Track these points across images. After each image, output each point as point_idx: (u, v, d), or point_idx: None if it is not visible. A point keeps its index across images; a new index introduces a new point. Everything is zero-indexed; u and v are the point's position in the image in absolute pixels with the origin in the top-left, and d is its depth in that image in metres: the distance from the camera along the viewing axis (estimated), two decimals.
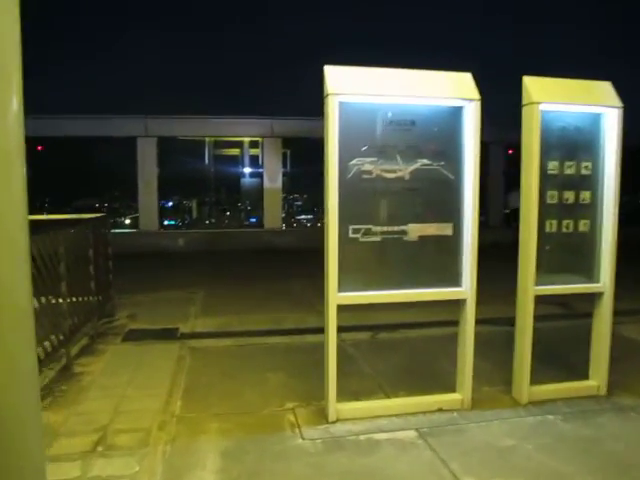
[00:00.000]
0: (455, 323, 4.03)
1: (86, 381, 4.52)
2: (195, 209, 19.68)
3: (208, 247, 14.21)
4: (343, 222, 3.56)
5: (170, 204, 21.00)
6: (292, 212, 19.18)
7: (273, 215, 14.71)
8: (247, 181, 19.05)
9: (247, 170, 19.19)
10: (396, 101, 3.60)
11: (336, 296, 3.61)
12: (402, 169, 3.61)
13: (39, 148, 16.83)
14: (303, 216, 21.26)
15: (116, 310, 7.12)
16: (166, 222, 19.07)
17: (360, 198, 3.59)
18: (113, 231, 15.56)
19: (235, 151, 19.98)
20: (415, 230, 3.68)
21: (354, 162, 3.54)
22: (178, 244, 14.15)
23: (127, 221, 17.12)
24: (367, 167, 3.55)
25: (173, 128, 14.20)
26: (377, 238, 3.63)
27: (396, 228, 3.65)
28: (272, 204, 14.68)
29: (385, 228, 3.63)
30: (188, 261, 12.59)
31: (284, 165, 16.25)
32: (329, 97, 3.42)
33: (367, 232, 3.61)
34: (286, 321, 6.72)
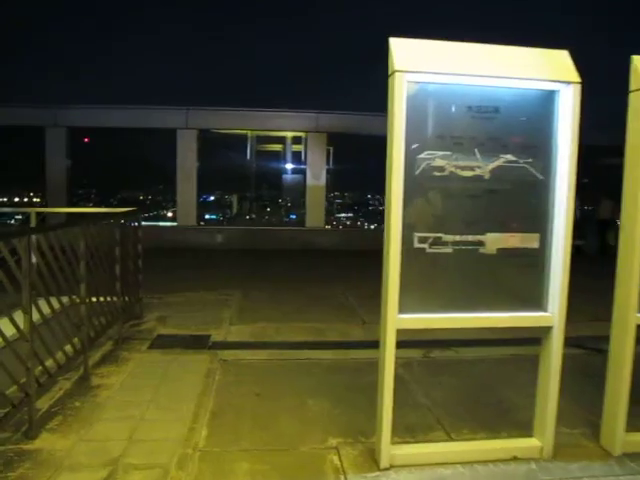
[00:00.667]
0: (518, 341, 3.38)
1: (103, 396, 4.03)
2: (236, 204, 19.34)
3: (247, 244, 13.76)
4: (408, 229, 2.94)
5: (212, 198, 20.74)
6: (332, 210, 18.61)
7: (316, 214, 14.14)
8: (289, 177, 18.58)
9: (289, 166, 18.74)
10: (476, 82, 2.96)
11: (396, 318, 3.01)
12: (481, 166, 2.98)
13: (86, 140, 16.75)
14: (343, 214, 20.66)
15: (145, 311, 6.67)
16: (207, 216, 18.78)
17: (429, 200, 2.97)
18: (150, 224, 15.40)
19: (277, 147, 19.55)
20: (494, 241, 3.04)
21: (423, 156, 2.92)
22: (216, 240, 13.74)
23: (169, 214, 16.87)
24: (439, 162, 2.94)
25: (214, 120, 13.78)
26: (448, 249, 3.00)
27: (471, 238, 3.02)
28: (315, 202, 14.11)
29: (458, 237, 3.00)
30: (225, 259, 12.15)
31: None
32: (395, 75, 2.82)
33: (436, 242, 2.99)
34: (328, 333, 6.14)
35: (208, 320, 6.48)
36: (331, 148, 15.73)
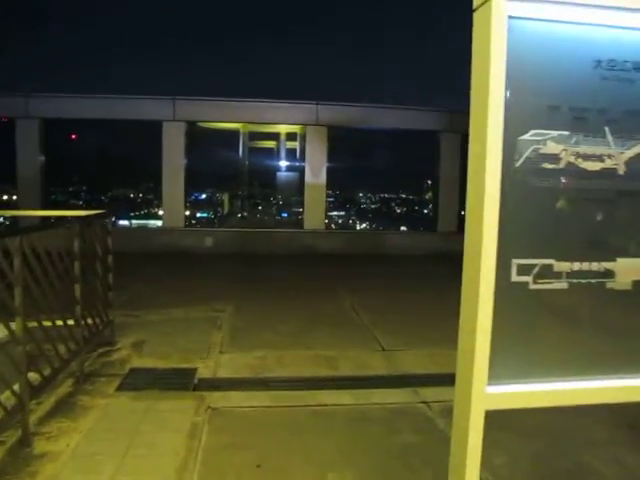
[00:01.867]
0: None
1: (46, 475, 2.96)
2: (227, 202, 18.36)
3: (240, 248, 12.69)
4: (502, 253, 1.89)
5: (203, 196, 19.78)
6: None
7: (315, 215, 13.08)
8: (283, 175, 17.61)
9: (283, 163, 17.80)
10: (612, 22, 1.90)
11: (484, 393, 1.94)
12: (614, 155, 1.94)
13: (73, 137, 15.62)
14: (335, 213, 19.75)
15: (119, 334, 5.61)
16: (198, 214, 17.79)
17: (535, 207, 1.93)
18: (135, 225, 14.30)
19: (271, 143, 18.57)
20: (629, 270, 2.00)
21: (528, 137, 1.88)
22: (205, 244, 12.66)
23: (161, 212, 15.82)
24: (551, 148, 1.89)
25: (203, 111, 12.68)
26: (562, 284, 1.95)
27: (596, 266, 1.97)
28: (314, 202, 13.05)
29: (577, 266, 1.96)
30: (216, 265, 11.07)
31: None
32: (492, 4, 1.76)
33: (544, 272, 1.94)
34: (341, 363, 5.09)
35: (194, 346, 5.43)
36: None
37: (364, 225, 19.35)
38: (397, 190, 16.52)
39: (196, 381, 4.50)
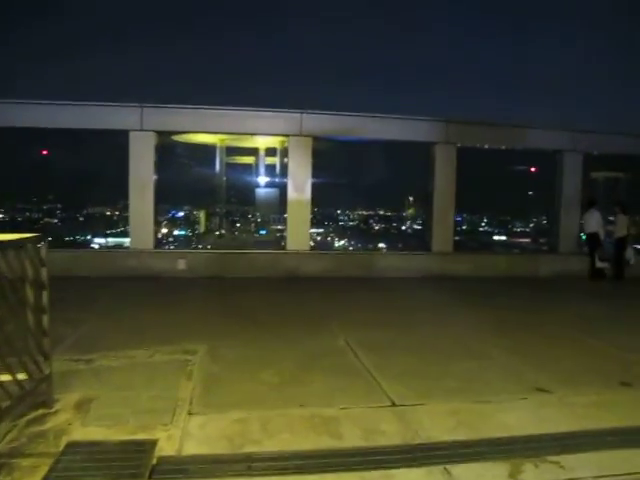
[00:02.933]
0: None
1: None
2: (203, 220, 17.29)
3: (216, 272, 11.60)
4: None
5: (181, 214, 18.88)
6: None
7: (299, 234, 12.03)
8: (262, 192, 16.66)
9: (262, 180, 16.90)
10: None
11: None
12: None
13: (44, 152, 14.41)
14: (314, 230, 18.86)
15: (62, 388, 4.48)
16: (176, 232, 16.84)
17: None
18: (111, 243, 13.07)
19: (249, 159, 17.63)
20: None
21: None
22: (178, 267, 11.53)
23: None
24: None
25: (175, 121, 11.59)
26: None
27: None
28: (298, 220, 12.01)
29: None
30: (189, 292, 9.96)
31: None
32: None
33: None
34: (344, 428, 4.03)
35: (157, 405, 4.33)
36: None
37: (344, 243, 18.42)
38: (388, 206, 15.62)
39: (155, 461, 3.41)
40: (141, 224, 11.52)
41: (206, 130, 11.90)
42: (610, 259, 13.00)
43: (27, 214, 15.10)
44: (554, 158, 13.31)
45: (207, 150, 15.23)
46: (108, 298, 9.11)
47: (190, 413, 4.20)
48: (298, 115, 11.85)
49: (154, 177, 11.54)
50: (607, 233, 13.18)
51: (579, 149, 13.17)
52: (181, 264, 11.60)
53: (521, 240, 17.73)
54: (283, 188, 12.85)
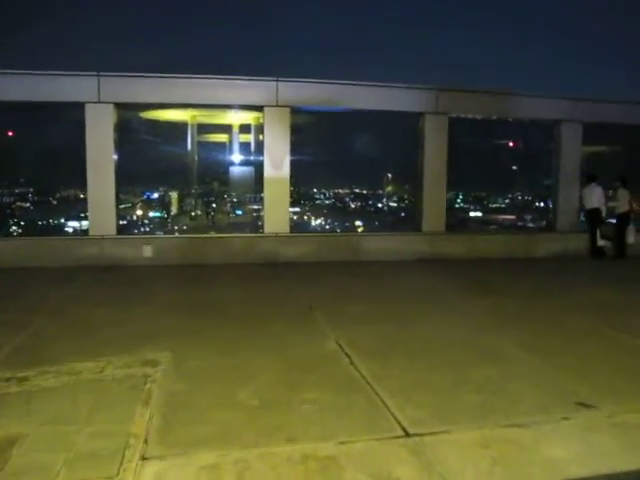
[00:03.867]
0: None
1: None
2: (176, 202, 16.13)
3: (187, 258, 10.58)
4: None
5: (155, 195, 17.73)
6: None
7: (278, 215, 11.01)
8: (237, 170, 15.55)
9: (237, 158, 15.80)
10: None
11: None
12: None
13: (10, 133, 13.03)
14: (290, 209, 17.83)
15: None
16: (151, 214, 15.70)
17: None
18: (69, 230, 11.80)
19: (222, 137, 16.47)
20: None
21: None
22: (143, 254, 10.46)
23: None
24: None
25: (137, 90, 10.40)
26: None
27: None
28: (276, 200, 10.98)
29: None
30: (154, 284, 8.92)
31: None
32: None
33: None
34: (346, 473, 3.08)
35: (99, 445, 3.35)
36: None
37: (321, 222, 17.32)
38: (371, 183, 14.55)
39: None
40: (101, 207, 10.40)
41: (171, 101, 10.70)
42: (612, 237, 12.24)
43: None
44: (553, 128, 12.43)
45: (178, 128, 14.03)
46: (61, 293, 8.02)
47: (144, 457, 3.21)
48: (274, 83, 10.76)
49: (114, 156, 10.38)
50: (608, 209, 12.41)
51: (578, 118, 12.29)
52: (147, 251, 10.53)
53: (502, 217, 16.82)
54: (259, 166, 11.79)
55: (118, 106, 10.42)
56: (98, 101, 10.19)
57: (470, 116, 12.11)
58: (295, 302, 7.60)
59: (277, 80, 10.77)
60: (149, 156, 12.95)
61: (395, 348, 5.49)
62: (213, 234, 11.60)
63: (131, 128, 11.59)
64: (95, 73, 10.18)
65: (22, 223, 12.29)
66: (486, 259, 11.62)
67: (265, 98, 10.76)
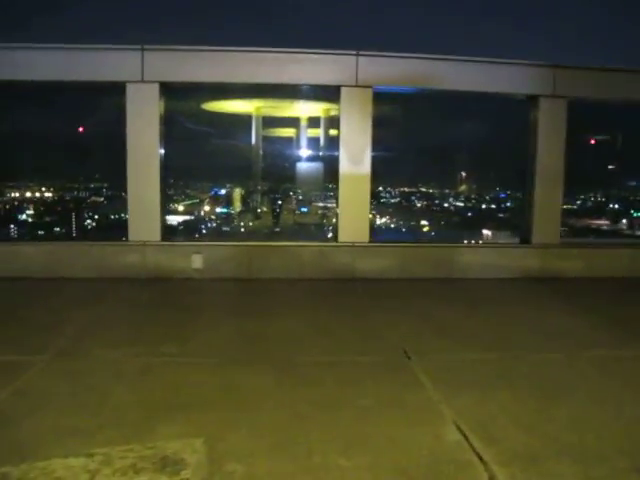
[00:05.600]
0: None
1: None
2: (239, 200, 14.49)
3: (243, 271, 8.84)
4: None
5: (223, 192, 16.25)
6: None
7: (355, 220, 9.06)
8: (304, 166, 13.69)
9: (305, 153, 13.94)
10: None
11: None
12: None
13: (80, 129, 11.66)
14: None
15: None
16: (218, 209, 14.22)
17: None
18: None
19: (289, 131, 14.65)
20: None
21: None
22: (192, 265, 8.74)
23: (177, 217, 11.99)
24: None
25: (190, 67, 8.65)
26: None
27: None
28: (353, 203, 9.03)
29: None
30: (197, 307, 7.14)
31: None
32: None
33: None
34: None
35: None
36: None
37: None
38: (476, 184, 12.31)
39: None
40: (143, 208, 8.73)
41: (231, 80, 8.85)
42: None
43: (75, 193, 12.38)
44: None
45: (241, 121, 12.30)
46: (80, 319, 6.34)
47: None
48: (353, 58, 8.79)
49: (160, 149, 8.71)
50: None
51: None
52: (196, 261, 8.78)
53: (596, 222, 14.16)
54: (329, 162, 9.91)
55: (165, 87, 8.72)
56: (141, 80, 8.51)
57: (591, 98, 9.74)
58: (383, 343, 5.63)
59: (357, 54, 8.80)
60: (205, 149, 11.25)
61: (547, 439, 3.45)
62: (276, 242, 9.71)
63: (184, 115, 9.91)
64: (139, 46, 8.50)
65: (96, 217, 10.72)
66: (611, 279, 9.30)
67: (342, 76, 8.81)
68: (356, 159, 8.90)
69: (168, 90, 8.81)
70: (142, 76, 8.53)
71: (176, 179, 10.22)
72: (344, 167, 8.94)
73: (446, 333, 6.03)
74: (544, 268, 9.47)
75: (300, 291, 8.15)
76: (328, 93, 9.30)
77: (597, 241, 10.76)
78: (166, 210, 9.24)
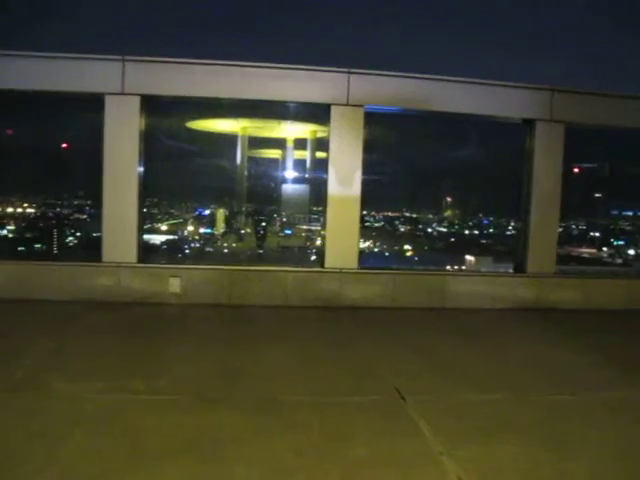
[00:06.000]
0: None
1: None
2: (222, 221, 13.97)
3: (223, 297, 8.33)
4: None
5: (206, 212, 15.77)
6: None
7: (343, 245, 8.63)
8: (289, 189, 13.25)
9: (290, 175, 13.53)
10: None
11: None
12: None
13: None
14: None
15: None
16: (202, 230, 13.80)
17: None
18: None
19: (275, 153, 14.26)
20: None
21: None
22: (169, 289, 8.22)
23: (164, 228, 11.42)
24: None
25: (173, 80, 8.23)
26: None
27: None
28: (342, 226, 8.60)
29: None
30: (172, 334, 6.61)
31: None
32: None
33: None
34: None
35: None
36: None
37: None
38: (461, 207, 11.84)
39: None
40: (118, 227, 8.22)
41: (216, 95, 8.45)
42: None
43: (57, 210, 11.76)
44: None
45: (226, 140, 11.89)
46: (40, 350, 5.77)
47: None
48: (344, 76, 8.43)
49: (139, 167, 8.24)
50: None
51: None
52: (174, 285, 8.26)
53: (583, 250, 13.79)
54: (315, 184, 9.52)
55: (147, 100, 8.27)
56: (121, 92, 8.06)
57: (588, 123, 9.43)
58: (374, 381, 5.15)
59: (349, 72, 8.44)
60: (188, 168, 10.79)
61: None
62: (259, 266, 9.21)
63: (167, 132, 9.46)
64: (119, 57, 8.07)
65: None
66: (608, 311, 8.92)
67: (333, 94, 8.42)
68: (346, 181, 8.48)
69: (150, 104, 8.36)
70: (122, 88, 8.08)
71: (156, 198, 9.75)
72: (333, 189, 8.52)
73: (442, 369, 5.56)
74: (540, 298, 9.08)
75: (284, 319, 7.66)
76: (317, 112, 8.91)
77: (594, 270, 10.40)
78: (144, 230, 8.73)
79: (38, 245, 9.65)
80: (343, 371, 5.41)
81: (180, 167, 10.18)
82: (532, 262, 9.20)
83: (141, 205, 8.38)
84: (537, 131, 9.06)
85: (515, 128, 9.30)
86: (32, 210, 9.83)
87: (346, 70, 8.44)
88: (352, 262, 8.59)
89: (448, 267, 10.07)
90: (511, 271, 9.50)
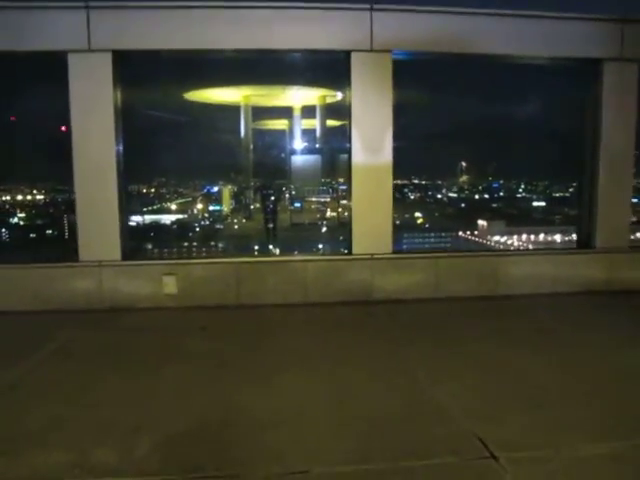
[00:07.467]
0: None
1: None
2: (228, 199, 12.63)
3: (230, 296, 6.83)
4: None
5: (215, 189, 14.66)
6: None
7: (374, 225, 7.07)
8: (300, 160, 11.81)
9: (299, 145, 12.12)
10: None
11: None
12: None
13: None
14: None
15: None
16: (211, 207, 12.74)
17: None
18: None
19: (281, 123, 12.76)
20: None
21: None
22: (163, 290, 6.75)
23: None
24: None
25: (153, 29, 6.62)
26: None
27: None
28: (372, 202, 7.04)
29: None
30: (162, 355, 5.10)
31: None
32: None
33: None
34: None
35: None
36: None
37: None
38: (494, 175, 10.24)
39: None
40: (97, 218, 6.71)
41: (207, 47, 6.77)
42: None
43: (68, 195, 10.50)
44: None
45: (227, 112, 10.35)
46: None
47: None
48: (366, 13, 6.77)
49: (117, 145, 6.69)
50: None
51: None
52: (169, 285, 6.77)
53: None
54: (327, 155, 8.78)
55: (121, 58, 6.68)
56: (88, 49, 6.47)
57: None
58: (442, 424, 3.61)
59: (371, 9, 6.77)
60: (182, 142, 9.23)
61: None
62: (270, 257, 7.69)
63: (152, 98, 7.93)
64: (82, 3, 6.44)
65: None
66: None
67: (353, 38, 6.78)
68: (374, 146, 6.87)
69: (126, 63, 6.76)
70: (89, 44, 6.48)
71: (142, 178, 8.24)
72: (358, 158, 6.91)
73: (532, 398, 4.03)
74: (611, 279, 7.52)
75: (303, 322, 6.17)
76: (332, 63, 7.28)
77: None
78: (128, 219, 7.21)
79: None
80: (394, 409, 3.89)
81: (172, 141, 8.66)
82: (601, 235, 7.60)
83: (123, 187, 6.83)
84: (605, 74, 7.38)
85: (578, 71, 7.65)
86: None
87: (368, 6, 6.76)
88: (386, 246, 7.03)
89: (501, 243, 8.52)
90: (575, 247, 7.92)
